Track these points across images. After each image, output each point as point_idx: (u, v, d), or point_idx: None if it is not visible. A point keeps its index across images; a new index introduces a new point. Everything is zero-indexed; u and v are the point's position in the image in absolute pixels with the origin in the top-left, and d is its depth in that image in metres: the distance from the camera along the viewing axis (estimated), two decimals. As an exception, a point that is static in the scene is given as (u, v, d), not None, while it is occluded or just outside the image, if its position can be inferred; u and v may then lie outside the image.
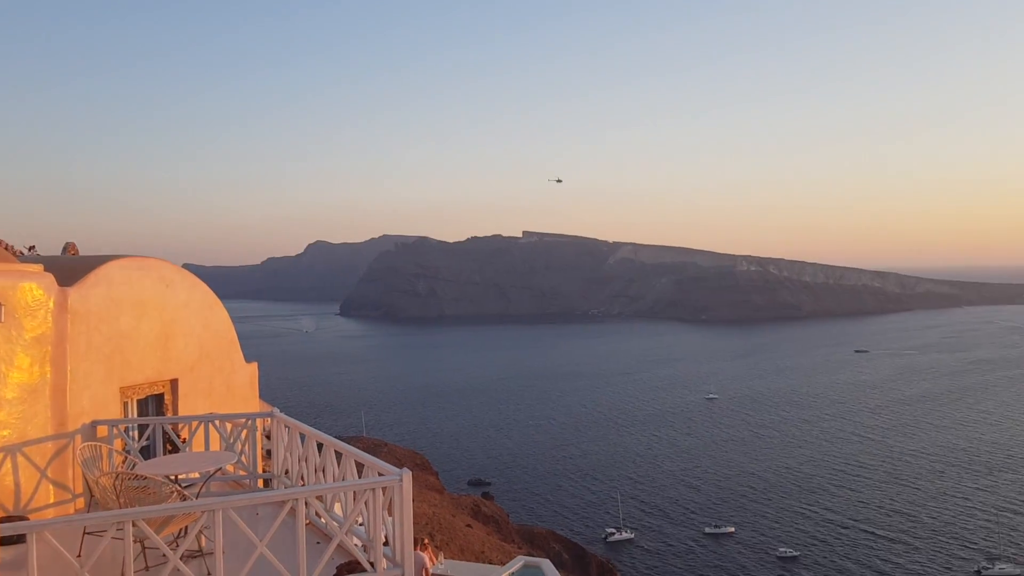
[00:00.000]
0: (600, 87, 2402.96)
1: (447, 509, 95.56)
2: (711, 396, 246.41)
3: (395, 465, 10.59)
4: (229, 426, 14.84)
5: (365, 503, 10.34)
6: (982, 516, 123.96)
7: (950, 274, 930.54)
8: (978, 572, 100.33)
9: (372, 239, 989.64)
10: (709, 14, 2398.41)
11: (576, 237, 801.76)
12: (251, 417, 14.80)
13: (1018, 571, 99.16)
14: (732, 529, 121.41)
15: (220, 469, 13.48)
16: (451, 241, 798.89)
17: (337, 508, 12.18)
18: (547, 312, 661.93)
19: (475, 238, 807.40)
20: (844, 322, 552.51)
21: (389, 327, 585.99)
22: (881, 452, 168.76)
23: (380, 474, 10.60)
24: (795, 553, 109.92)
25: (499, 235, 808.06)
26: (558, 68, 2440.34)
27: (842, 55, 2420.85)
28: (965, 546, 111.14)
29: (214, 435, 14.90)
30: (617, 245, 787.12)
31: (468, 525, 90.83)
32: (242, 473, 15.00)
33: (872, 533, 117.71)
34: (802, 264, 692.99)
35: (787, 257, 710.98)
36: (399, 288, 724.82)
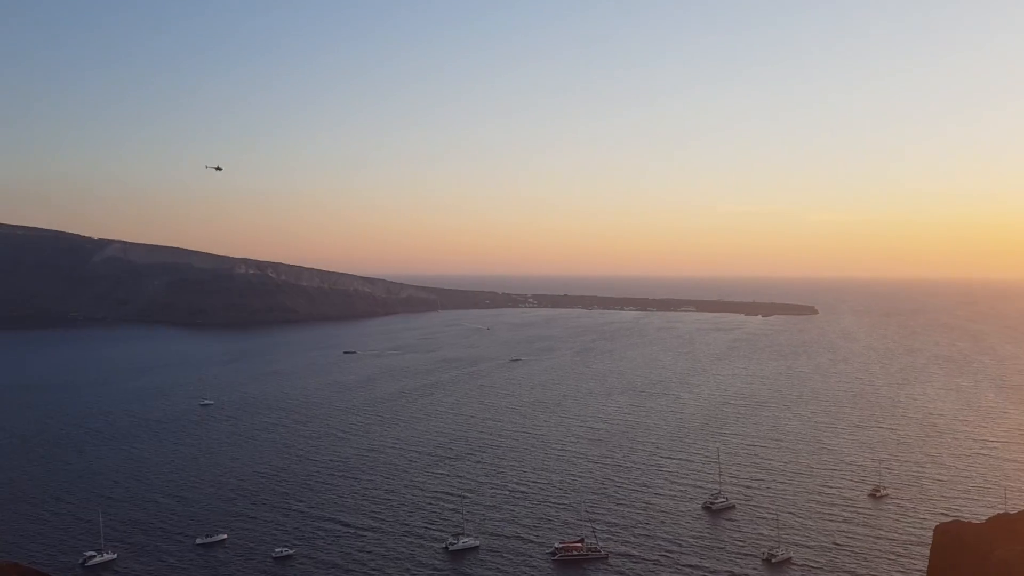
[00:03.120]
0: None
1: None
2: (206, 402, 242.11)
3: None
4: None
5: None
6: (448, 498, 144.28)
7: (430, 281, 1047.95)
8: (446, 547, 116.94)
9: None
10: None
11: (53, 231, 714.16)
12: None
13: (477, 543, 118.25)
14: (225, 536, 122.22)
15: None
16: None
17: None
18: (13, 315, 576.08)
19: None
20: (337, 325, 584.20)
21: None
22: (362, 445, 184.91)
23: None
24: (290, 552, 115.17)
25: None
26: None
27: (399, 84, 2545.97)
28: (431, 526, 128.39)
29: None
30: (103, 242, 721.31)
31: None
32: None
33: (348, 525, 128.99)
34: (300, 269, 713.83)
35: (286, 262, 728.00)
36: None
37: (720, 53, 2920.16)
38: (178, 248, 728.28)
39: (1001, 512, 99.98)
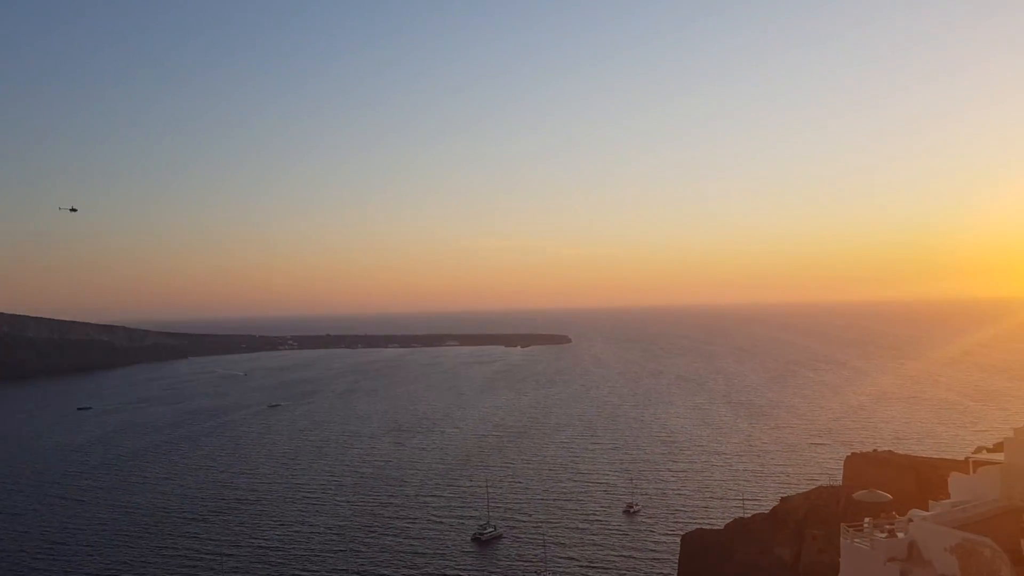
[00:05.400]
0: None
1: None
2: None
3: None
4: None
5: None
6: (203, 559, 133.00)
7: (178, 327, 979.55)
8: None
9: None
10: None
11: None
12: None
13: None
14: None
15: None
16: None
17: None
18: None
19: None
20: (71, 379, 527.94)
21: None
22: (95, 514, 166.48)
23: None
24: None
25: None
26: None
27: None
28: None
29: None
30: None
31: None
32: None
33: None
34: (25, 318, 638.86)
35: (7, 311, 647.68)
36: None
37: (477, 96, 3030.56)
38: None
39: (739, 517, 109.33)
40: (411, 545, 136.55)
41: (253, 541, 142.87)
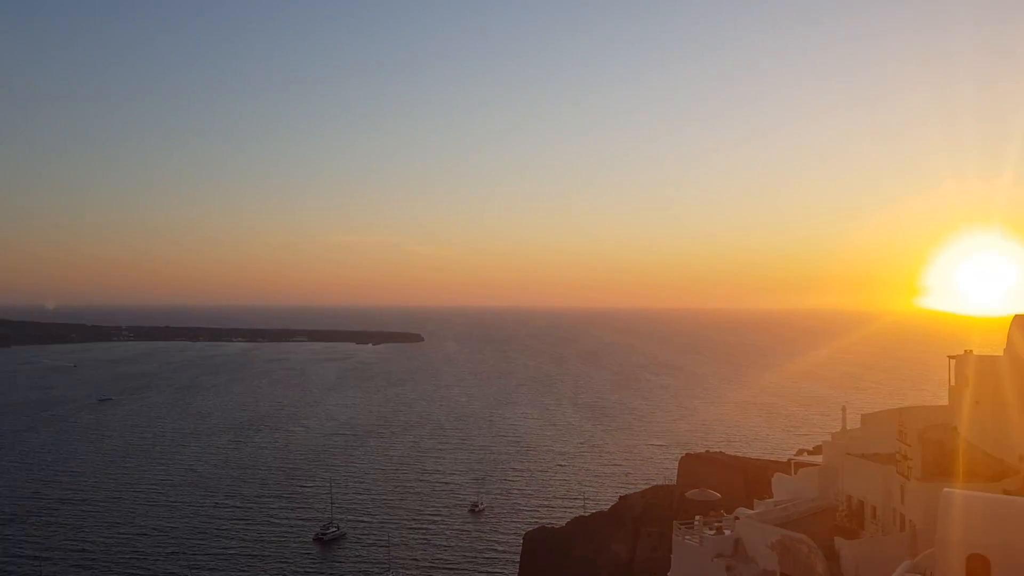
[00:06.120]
0: None
1: None
2: None
3: None
4: None
5: None
6: (20, 563, 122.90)
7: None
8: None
9: None
10: None
11: None
12: None
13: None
14: None
15: None
16: None
17: None
18: None
19: None
20: None
21: None
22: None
23: None
24: None
25: None
26: None
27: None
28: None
29: None
30: None
31: None
32: None
33: None
34: None
35: None
36: None
37: (339, 91, 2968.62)
38: None
39: (580, 515, 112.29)
40: (248, 547, 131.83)
41: (74, 544, 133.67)
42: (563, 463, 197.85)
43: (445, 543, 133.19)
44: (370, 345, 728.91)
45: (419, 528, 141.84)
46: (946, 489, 32.59)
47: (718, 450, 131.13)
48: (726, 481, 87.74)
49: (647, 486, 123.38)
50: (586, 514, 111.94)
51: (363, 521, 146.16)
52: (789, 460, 63.05)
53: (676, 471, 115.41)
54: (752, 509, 49.95)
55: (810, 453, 72.63)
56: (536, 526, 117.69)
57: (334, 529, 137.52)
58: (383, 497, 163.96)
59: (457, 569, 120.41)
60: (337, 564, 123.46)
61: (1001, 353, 52.45)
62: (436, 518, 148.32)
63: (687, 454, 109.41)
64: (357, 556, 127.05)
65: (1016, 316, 53.62)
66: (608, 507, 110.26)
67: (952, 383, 53.67)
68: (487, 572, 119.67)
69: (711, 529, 45.53)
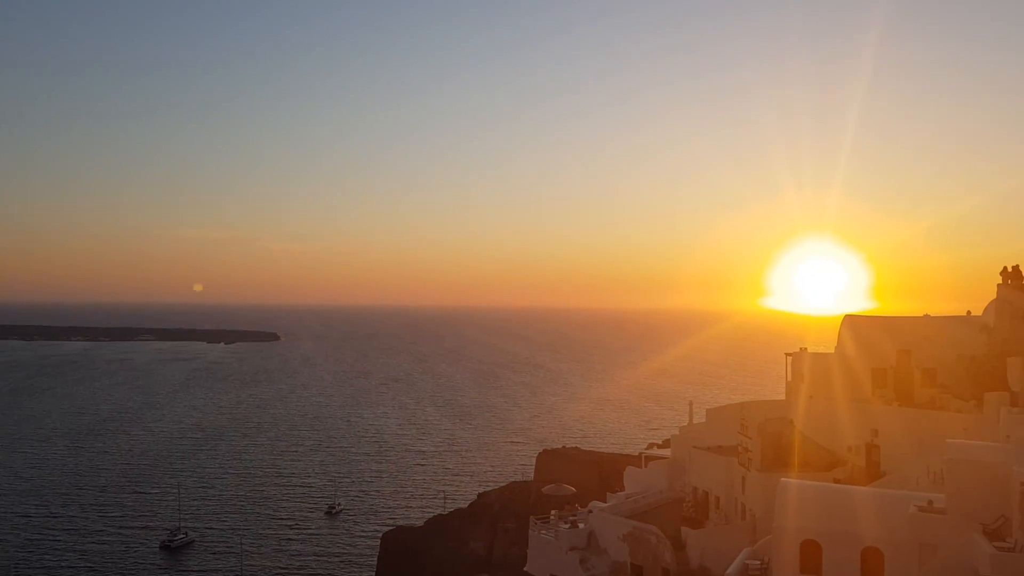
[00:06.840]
0: None
1: None
2: None
3: None
4: None
5: None
6: None
7: None
8: None
9: None
10: None
11: None
12: None
13: None
14: None
15: None
16: None
17: None
18: None
19: None
20: None
21: None
22: None
23: None
24: None
25: None
26: None
27: None
28: None
29: None
30: None
31: None
32: None
33: None
34: None
35: None
36: None
37: (205, 86, 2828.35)
38: None
39: (439, 514, 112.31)
40: (86, 557, 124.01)
41: None
42: (422, 462, 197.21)
43: (300, 546, 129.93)
44: (222, 344, 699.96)
45: (273, 532, 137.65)
46: (783, 479, 34.78)
47: (574, 446, 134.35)
48: (581, 476, 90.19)
49: (505, 483, 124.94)
50: (445, 512, 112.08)
51: (213, 527, 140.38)
52: (640, 454, 65.35)
53: (534, 467, 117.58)
54: (605, 502, 51.51)
55: (660, 447, 75.70)
56: (394, 526, 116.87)
57: (182, 536, 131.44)
58: (235, 501, 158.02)
59: (312, 573, 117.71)
60: (185, 572, 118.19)
61: (832, 351, 56.53)
62: (291, 521, 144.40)
63: (544, 450, 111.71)
64: (207, 563, 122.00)
65: (845, 317, 57.95)
66: (467, 505, 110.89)
67: (789, 379, 57.29)
68: (345, 572, 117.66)
69: (566, 523, 46.62)
